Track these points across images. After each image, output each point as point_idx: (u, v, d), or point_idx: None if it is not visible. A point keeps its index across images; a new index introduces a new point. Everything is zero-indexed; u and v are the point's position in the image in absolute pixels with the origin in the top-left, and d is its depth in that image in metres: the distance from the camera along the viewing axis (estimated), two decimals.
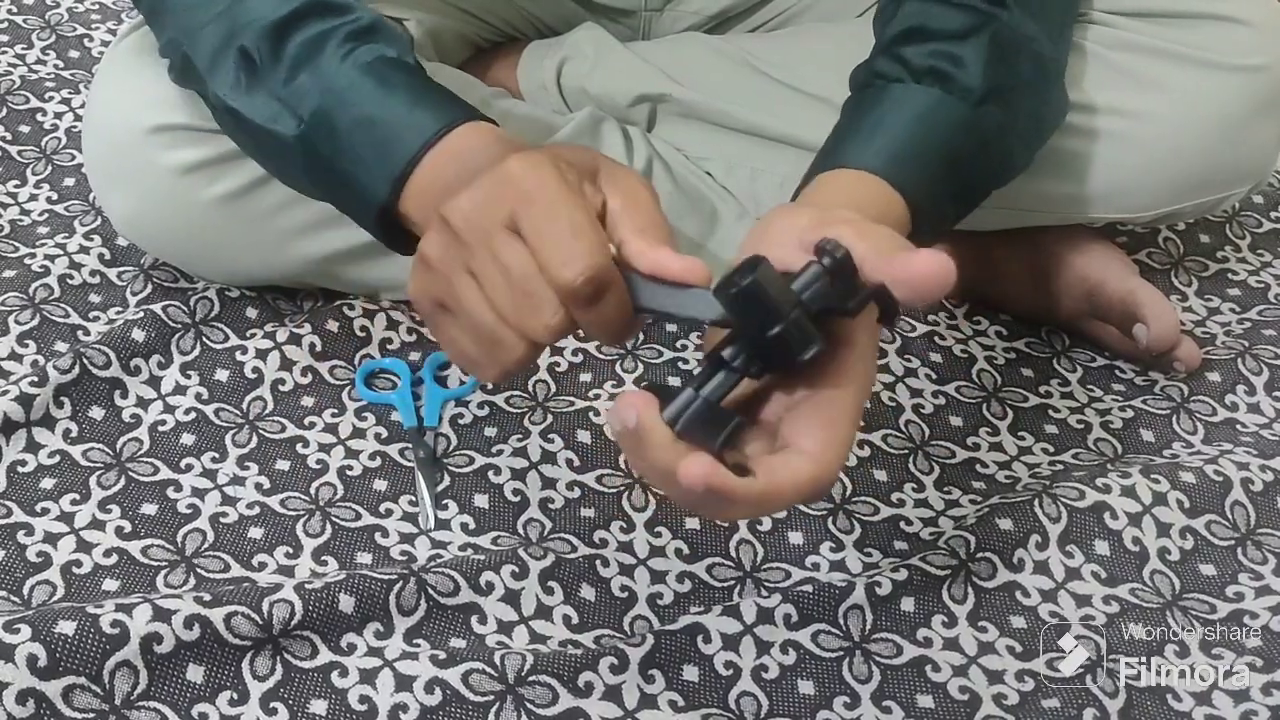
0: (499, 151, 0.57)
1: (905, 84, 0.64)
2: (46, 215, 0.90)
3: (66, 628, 0.60)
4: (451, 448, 0.77)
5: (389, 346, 0.83)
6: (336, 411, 0.79)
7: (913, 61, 0.65)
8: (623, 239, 0.52)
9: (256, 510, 0.72)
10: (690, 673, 0.65)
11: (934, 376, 0.85)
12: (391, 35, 0.65)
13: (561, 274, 0.50)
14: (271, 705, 0.62)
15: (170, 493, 0.72)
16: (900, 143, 0.62)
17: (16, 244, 0.87)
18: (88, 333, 0.81)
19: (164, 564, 0.68)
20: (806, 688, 0.65)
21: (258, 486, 0.73)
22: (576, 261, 0.50)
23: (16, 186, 0.93)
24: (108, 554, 0.68)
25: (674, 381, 0.83)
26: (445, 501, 0.74)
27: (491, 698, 0.63)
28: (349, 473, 0.75)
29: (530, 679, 0.64)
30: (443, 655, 0.64)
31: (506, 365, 0.54)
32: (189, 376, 0.79)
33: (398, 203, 0.60)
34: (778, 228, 0.53)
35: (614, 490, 0.75)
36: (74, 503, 0.71)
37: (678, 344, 0.86)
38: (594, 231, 0.51)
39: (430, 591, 0.66)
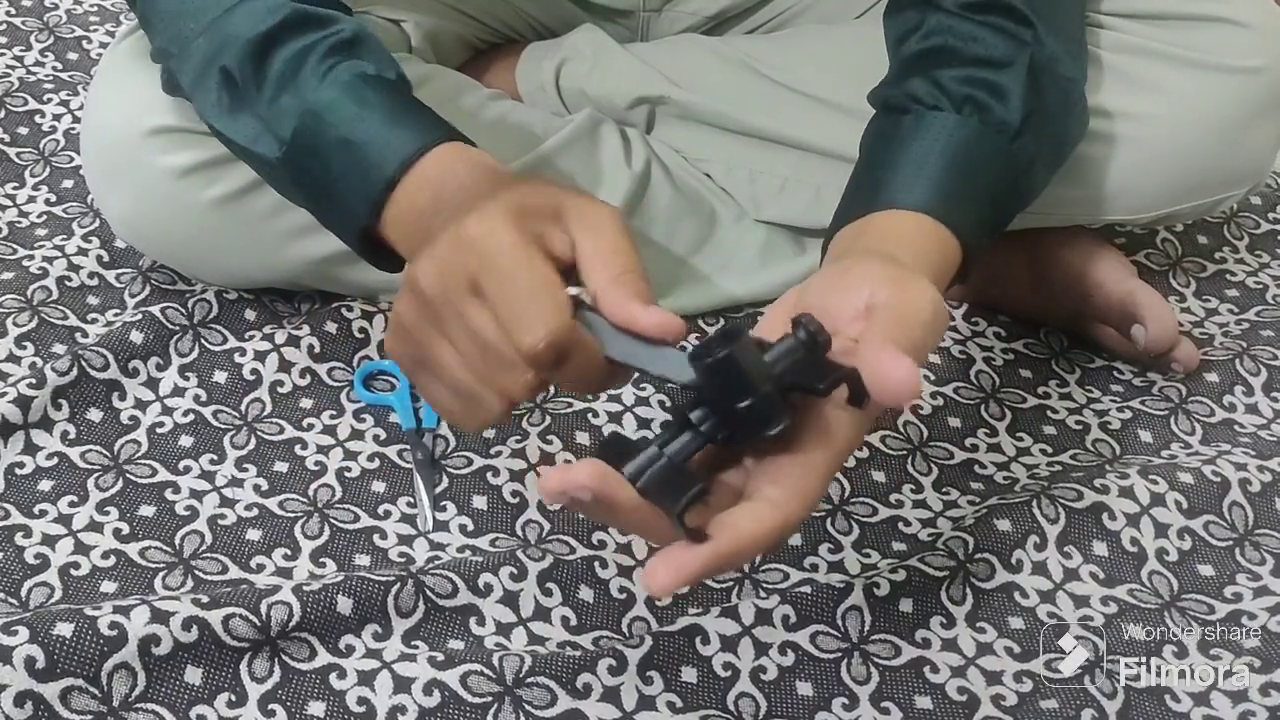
0: (470, 178, 0.57)
1: (944, 113, 0.64)
2: (45, 217, 0.90)
3: (64, 629, 0.60)
4: (450, 449, 0.77)
5: None
6: (335, 413, 0.79)
7: (950, 88, 0.65)
8: (597, 289, 0.52)
9: (255, 512, 0.72)
10: (689, 674, 0.65)
11: (932, 378, 0.85)
12: (373, 47, 0.65)
13: (522, 341, 0.50)
14: (270, 707, 0.62)
15: (168, 495, 0.72)
16: (950, 180, 0.62)
17: (15, 246, 0.87)
18: (86, 335, 0.81)
19: (162, 566, 0.68)
20: (805, 689, 0.65)
21: (256, 488, 0.73)
22: (536, 329, 0.50)
23: (15, 188, 0.93)
24: (106, 556, 0.68)
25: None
26: (443, 503, 0.74)
27: (490, 699, 0.63)
28: (347, 474, 0.75)
29: (528, 680, 0.64)
30: (441, 657, 0.64)
31: (486, 421, 0.54)
32: (187, 378, 0.79)
33: (378, 224, 0.60)
34: (856, 276, 0.52)
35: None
36: (72, 505, 0.71)
37: (677, 345, 0.86)
38: (550, 297, 0.50)
39: (428, 593, 0.66)
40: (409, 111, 0.62)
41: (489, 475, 0.76)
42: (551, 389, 0.82)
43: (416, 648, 0.65)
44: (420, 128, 0.61)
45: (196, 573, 0.68)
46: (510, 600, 0.68)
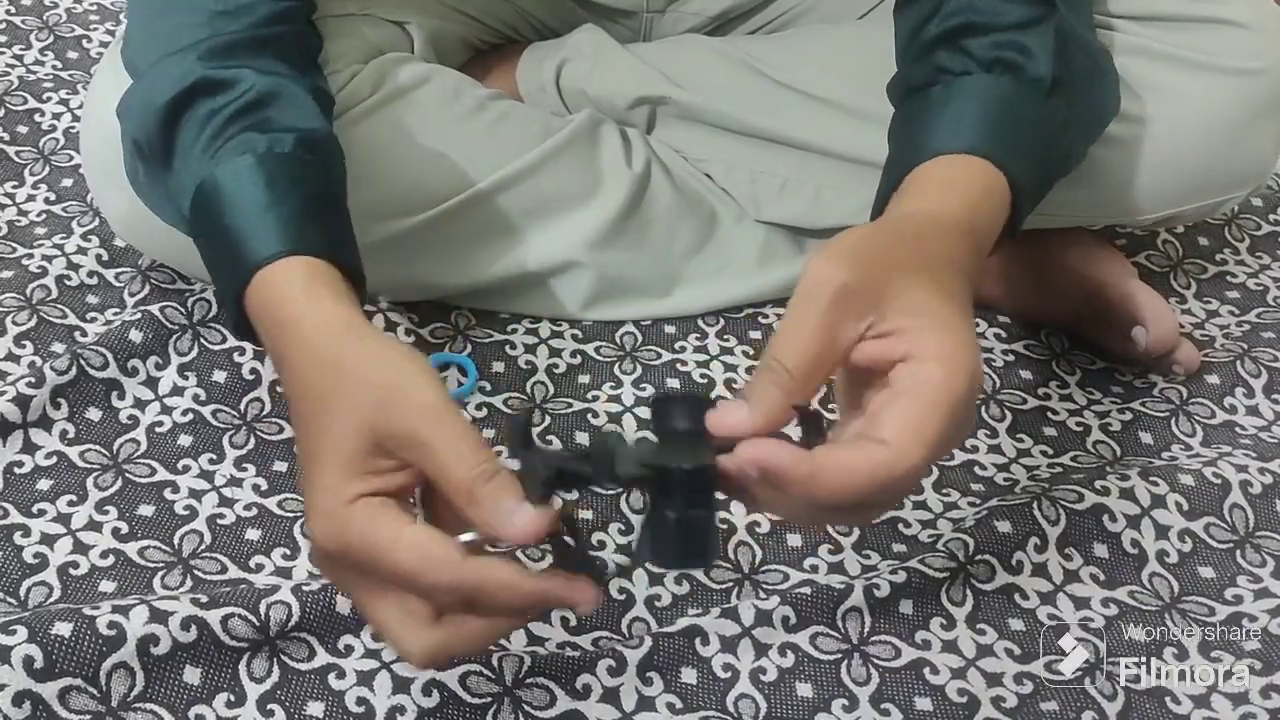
0: (280, 316, 0.57)
1: (975, 75, 0.63)
2: (44, 216, 0.90)
3: (63, 629, 0.60)
4: None
5: None
6: None
7: (977, 53, 0.64)
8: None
9: (254, 512, 0.72)
10: (688, 675, 0.65)
11: None
12: (278, 110, 0.63)
13: (410, 660, 0.53)
14: (269, 707, 0.62)
15: (167, 494, 0.72)
16: (991, 125, 0.60)
17: (14, 245, 0.87)
18: (85, 334, 0.81)
19: (161, 565, 0.68)
20: (805, 690, 0.65)
21: (255, 488, 0.73)
22: (411, 657, 0.53)
23: (14, 187, 0.92)
24: (104, 555, 0.68)
25: (673, 384, 0.83)
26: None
27: (489, 700, 0.63)
28: None
29: (528, 681, 0.64)
30: None
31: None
32: (186, 378, 0.79)
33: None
34: (901, 311, 0.50)
35: (611, 493, 0.75)
36: (71, 504, 0.71)
37: (676, 345, 0.86)
38: (409, 629, 0.52)
39: None
40: (273, 209, 0.60)
41: None
42: (551, 388, 0.82)
43: None
44: (277, 229, 0.59)
45: (196, 572, 0.68)
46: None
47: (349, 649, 0.64)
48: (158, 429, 0.76)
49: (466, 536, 0.52)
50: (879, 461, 0.47)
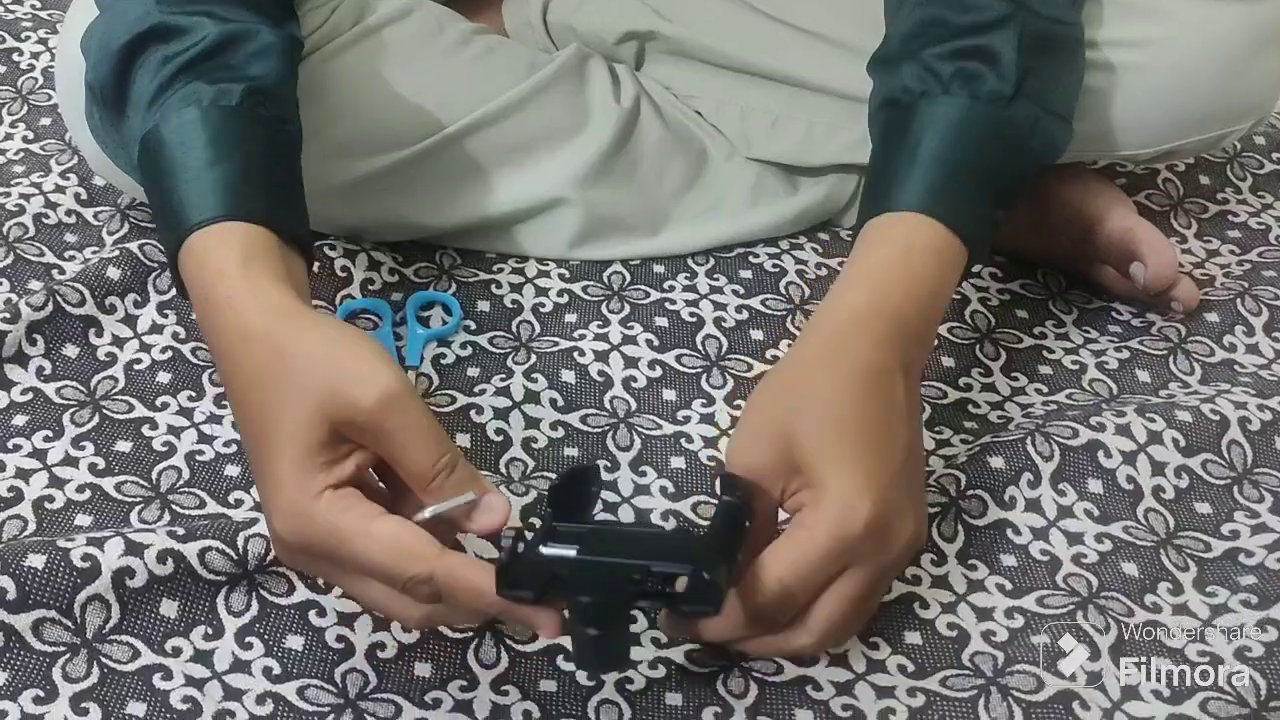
0: (213, 294, 0.56)
1: (931, 98, 0.64)
2: (22, 155, 0.89)
3: (36, 561, 0.59)
4: (433, 387, 0.76)
5: (370, 287, 0.82)
6: None
7: (937, 68, 0.65)
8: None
9: (233, 449, 0.71)
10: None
11: None
12: (231, 59, 0.62)
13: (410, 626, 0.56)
14: (247, 640, 0.61)
15: (145, 430, 0.71)
16: (939, 171, 0.63)
17: None
18: (63, 272, 0.80)
19: (138, 500, 0.67)
20: None
21: (234, 425, 0.72)
22: (410, 624, 0.56)
23: None
24: (81, 490, 0.67)
25: (661, 322, 0.82)
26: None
27: (471, 635, 0.62)
28: None
29: None
30: None
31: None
32: (165, 316, 0.77)
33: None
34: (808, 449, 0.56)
35: (598, 430, 0.74)
36: (47, 439, 0.69)
37: (665, 285, 0.85)
38: (405, 605, 0.53)
39: None
40: (216, 165, 0.58)
41: (472, 413, 0.74)
42: (537, 327, 0.81)
43: None
44: (215, 191, 0.58)
45: (174, 507, 0.67)
46: (493, 536, 0.66)
47: (329, 584, 0.63)
48: (136, 366, 0.75)
49: (425, 514, 0.52)
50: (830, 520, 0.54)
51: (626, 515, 0.69)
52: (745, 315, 0.82)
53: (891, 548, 0.56)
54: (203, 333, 0.58)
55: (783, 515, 0.59)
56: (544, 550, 0.52)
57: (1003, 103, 0.64)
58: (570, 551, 0.52)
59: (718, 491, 0.53)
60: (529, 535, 0.53)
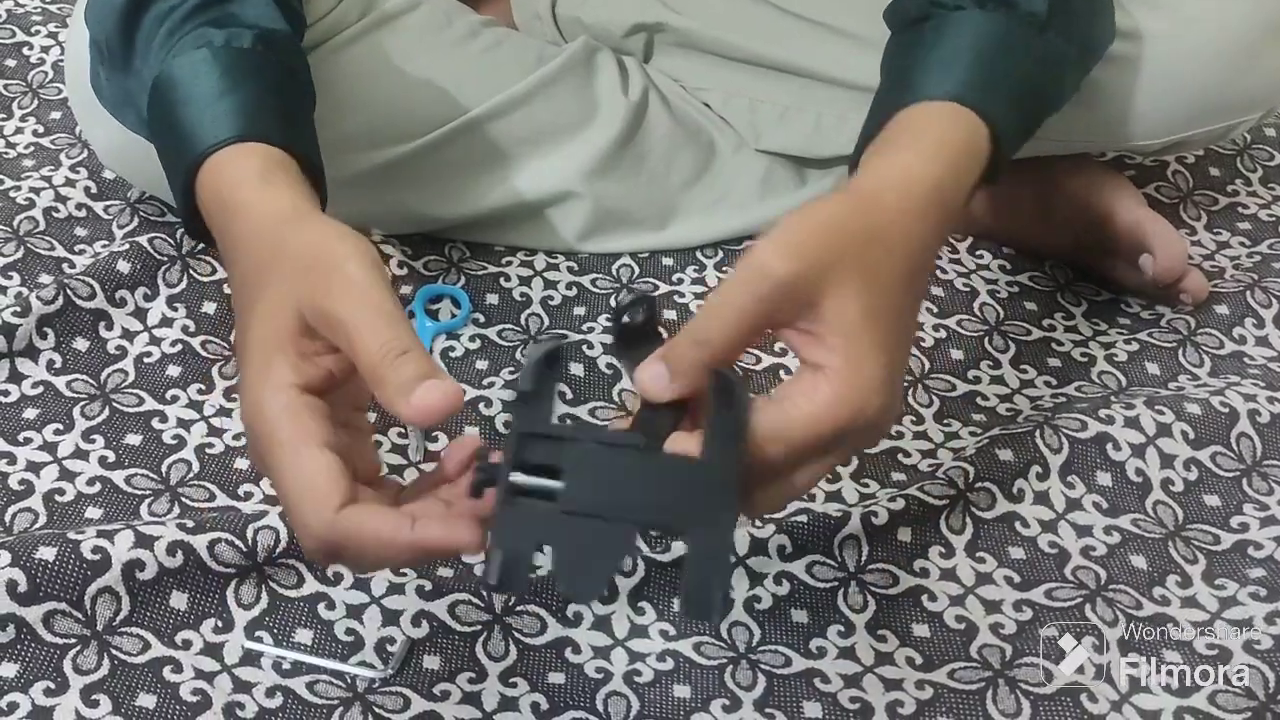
0: (230, 200, 0.54)
1: (968, 11, 0.61)
2: (32, 148, 0.89)
3: (47, 553, 0.59)
4: None
5: None
6: None
7: None
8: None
9: (243, 441, 0.71)
10: (681, 605, 0.64)
11: (935, 310, 0.83)
12: (235, 5, 0.61)
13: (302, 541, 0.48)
14: (257, 634, 0.61)
15: (155, 423, 0.71)
16: (980, 68, 0.59)
17: (2, 176, 0.86)
18: (73, 265, 0.80)
19: (148, 493, 0.67)
20: (800, 616, 0.64)
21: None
22: (303, 540, 0.48)
23: (3, 119, 0.91)
24: (91, 483, 0.67)
25: (669, 315, 0.82)
26: (434, 433, 0.73)
27: (479, 628, 0.62)
28: None
29: (518, 609, 0.63)
30: (429, 586, 0.63)
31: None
32: (175, 309, 0.77)
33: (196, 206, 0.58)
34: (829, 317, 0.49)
35: (606, 421, 0.74)
36: (57, 432, 0.70)
37: (674, 277, 0.85)
38: (312, 499, 0.47)
39: None
40: (225, 97, 0.57)
41: (481, 406, 0.74)
42: (546, 320, 0.81)
43: (405, 575, 0.64)
44: (230, 115, 0.57)
45: (183, 500, 0.67)
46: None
47: (338, 576, 0.64)
48: (146, 359, 0.75)
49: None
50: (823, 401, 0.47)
51: None
52: None
53: (880, 435, 0.52)
54: (223, 256, 0.56)
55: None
56: (523, 502, 0.45)
57: (1038, 24, 0.61)
58: (553, 506, 0.45)
59: (711, 393, 0.46)
60: (499, 460, 0.46)
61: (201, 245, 0.80)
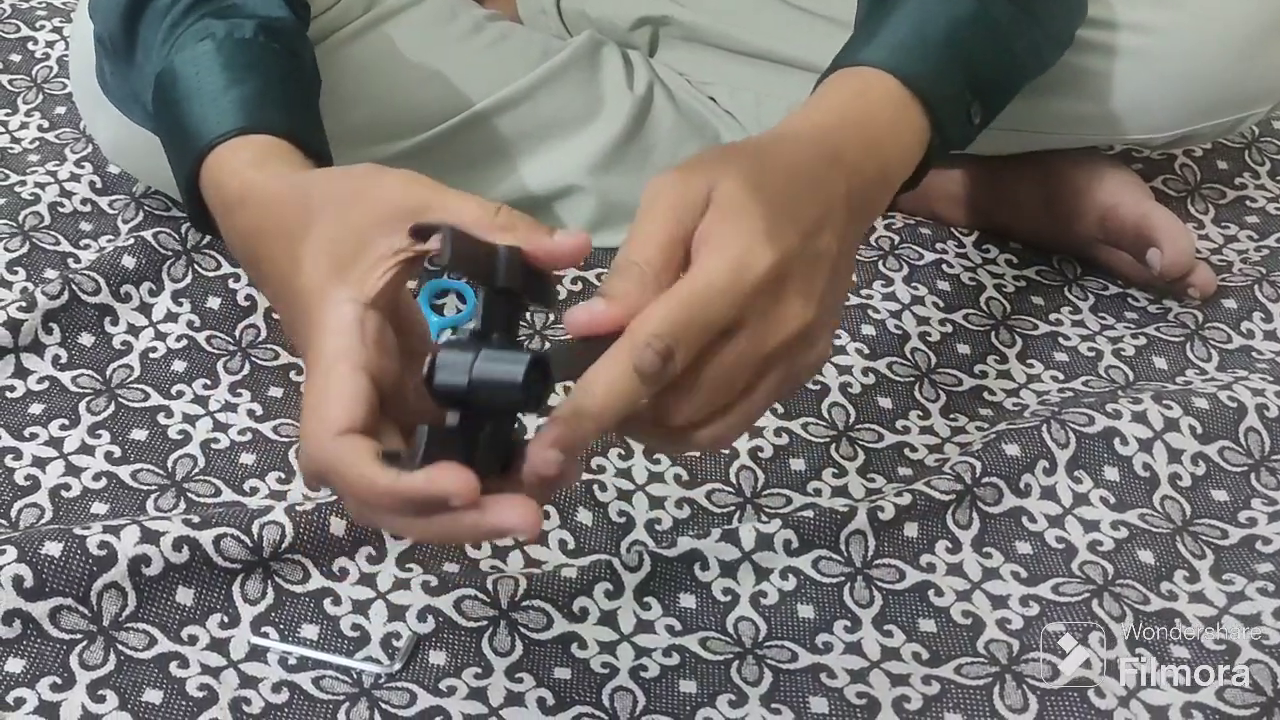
0: (228, 194, 0.54)
1: None
2: (38, 143, 0.89)
3: (53, 549, 0.59)
4: None
5: None
6: None
7: None
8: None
9: (249, 436, 0.71)
10: (687, 599, 0.64)
11: (941, 304, 0.83)
12: None
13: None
14: (263, 629, 0.61)
15: (161, 419, 0.71)
16: (902, 33, 0.59)
17: (7, 171, 0.86)
18: (79, 260, 0.80)
19: (154, 488, 0.67)
20: (806, 611, 0.64)
21: (250, 413, 0.72)
22: (300, 456, 0.47)
23: (7, 114, 0.91)
24: (97, 478, 0.67)
25: None
26: None
27: (485, 623, 0.62)
28: None
29: (524, 604, 0.63)
30: (435, 582, 0.63)
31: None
32: (180, 304, 0.77)
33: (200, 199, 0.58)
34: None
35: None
36: (63, 428, 0.70)
37: None
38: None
39: None
40: (231, 89, 0.57)
41: None
42: (552, 314, 0.81)
43: (411, 571, 0.64)
44: (233, 108, 0.56)
45: (189, 495, 0.67)
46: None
47: (344, 571, 0.64)
48: (151, 354, 0.75)
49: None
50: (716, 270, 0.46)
51: (641, 502, 0.69)
52: None
53: (784, 323, 0.48)
54: (232, 248, 0.56)
55: None
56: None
57: None
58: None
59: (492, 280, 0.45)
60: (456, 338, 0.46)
61: (206, 240, 0.80)
